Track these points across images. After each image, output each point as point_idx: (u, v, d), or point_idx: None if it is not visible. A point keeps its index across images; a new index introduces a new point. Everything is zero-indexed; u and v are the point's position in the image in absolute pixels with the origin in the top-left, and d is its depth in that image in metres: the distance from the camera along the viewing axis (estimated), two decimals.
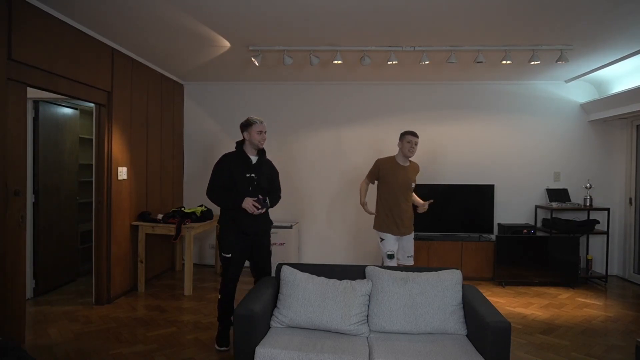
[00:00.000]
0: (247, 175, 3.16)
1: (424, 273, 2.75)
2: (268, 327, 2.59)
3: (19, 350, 1.40)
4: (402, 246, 3.85)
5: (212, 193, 3.19)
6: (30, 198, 4.23)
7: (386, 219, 3.78)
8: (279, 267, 2.84)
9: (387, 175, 3.79)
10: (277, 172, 3.45)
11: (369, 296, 2.67)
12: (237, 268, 3.21)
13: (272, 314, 2.66)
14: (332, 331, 2.54)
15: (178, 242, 5.53)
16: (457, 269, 2.82)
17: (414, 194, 3.94)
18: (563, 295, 4.72)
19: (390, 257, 3.70)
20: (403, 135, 3.80)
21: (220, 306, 3.24)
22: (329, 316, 2.52)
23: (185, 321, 3.81)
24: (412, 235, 3.89)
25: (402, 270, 2.80)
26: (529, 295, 4.71)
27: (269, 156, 3.41)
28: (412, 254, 3.90)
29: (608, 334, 3.62)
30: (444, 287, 2.63)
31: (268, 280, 2.89)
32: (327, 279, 2.71)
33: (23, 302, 3.22)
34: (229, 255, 3.16)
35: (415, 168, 3.95)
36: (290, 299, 2.62)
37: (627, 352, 3.24)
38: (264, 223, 3.33)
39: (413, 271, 2.79)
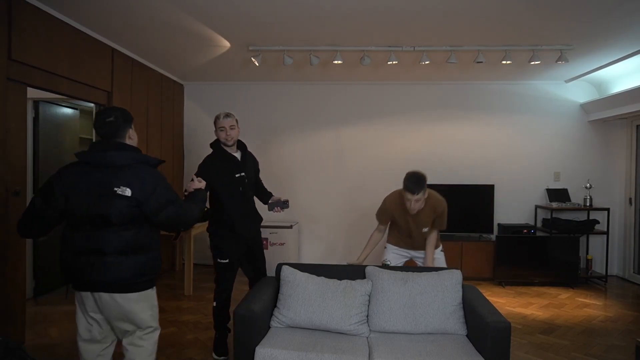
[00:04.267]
0: (237, 175, 2.97)
1: (424, 273, 2.72)
2: (268, 327, 2.59)
3: (20, 350, 1.40)
4: (417, 257, 3.28)
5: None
6: (30, 198, 4.23)
7: (395, 235, 3.30)
8: (279, 267, 2.82)
9: (395, 218, 3.15)
10: (258, 163, 3.29)
11: (369, 296, 2.65)
12: (233, 273, 3.08)
13: (272, 314, 2.65)
14: (332, 331, 2.52)
15: (178, 242, 5.53)
16: (457, 269, 2.77)
17: (432, 238, 3.14)
18: (563, 295, 4.72)
19: (385, 267, 3.16)
20: (403, 183, 2.93)
21: (216, 314, 3.05)
22: (329, 316, 2.51)
23: (185, 321, 3.81)
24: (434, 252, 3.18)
25: (402, 271, 2.77)
26: (529, 295, 4.71)
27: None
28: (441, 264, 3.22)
29: (608, 334, 3.62)
30: (444, 287, 2.61)
31: (268, 280, 2.87)
32: (327, 279, 2.69)
33: (23, 302, 3.23)
34: (226, 261, 3.00)
35: (430, 210, 3.04)
36: (290, 298, 2.61)
37: (627, 352, 3.25)
38: (256, 221, 3.17)
39: (413, 271, 2.75)
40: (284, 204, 3.15)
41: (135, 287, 1.96)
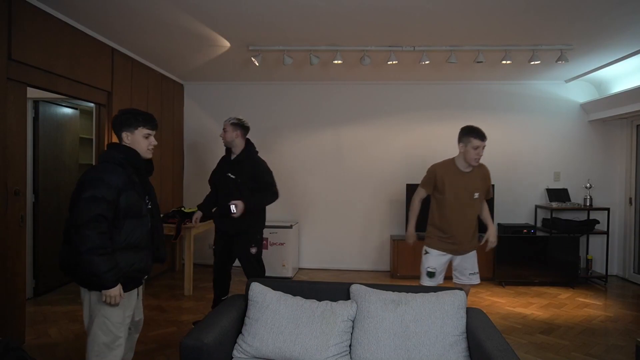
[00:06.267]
0: (228, 174, 3.32)
1: (420, 294, 2.27)
2: (230, 358, 2.19)
3: (20, 350, 1.40)
4: (461, 265, 3.18)
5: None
6: (30, 198, 4.23)
7: (438, 235, 3.14)
8: (249, 284, 2.42)
9: (444, 185, 3.05)
10: (264, 170, 3.41)
11: (353, 322, 2.23)
12: (220, 260, 3.48)
13: (236, 342, 2.24)
14: None
15: (178, 242, 5.53)
16: (461, 289, 2.35)
17: (486, 210, 3.22)
18: (563, 295, 4.72)
19: (431, 275, 3.08)
20: (466, 135, 2.94)
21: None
22: (301, 346, 2.09)
23: (185, 321, 3.81)
24: (474, 251, 3.21)
25: (393, 291, 2.37)
26: (529, 295, 4.71)
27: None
28: (477, 270, 3.20)
29: (608, 334, 3.62)
30: (444, 312, 2.16)
31: (234, 300, 2.48)
32: (304, 300, 2.29)
33: (23, 302, 3.23)
34: (214, 247, 3.50)
35: (481, 174, 3.10)
36: (257, 324, 2.20)
37: (627, 352, 3.25)
38: (237, 225, 3.28)
39: (407, 292, 2.34)
40: (230, 207, 3.15)
41: (72, 277, 2.04)
